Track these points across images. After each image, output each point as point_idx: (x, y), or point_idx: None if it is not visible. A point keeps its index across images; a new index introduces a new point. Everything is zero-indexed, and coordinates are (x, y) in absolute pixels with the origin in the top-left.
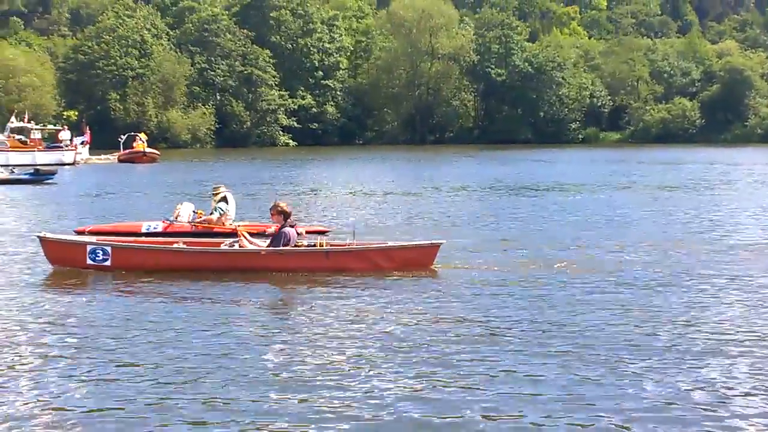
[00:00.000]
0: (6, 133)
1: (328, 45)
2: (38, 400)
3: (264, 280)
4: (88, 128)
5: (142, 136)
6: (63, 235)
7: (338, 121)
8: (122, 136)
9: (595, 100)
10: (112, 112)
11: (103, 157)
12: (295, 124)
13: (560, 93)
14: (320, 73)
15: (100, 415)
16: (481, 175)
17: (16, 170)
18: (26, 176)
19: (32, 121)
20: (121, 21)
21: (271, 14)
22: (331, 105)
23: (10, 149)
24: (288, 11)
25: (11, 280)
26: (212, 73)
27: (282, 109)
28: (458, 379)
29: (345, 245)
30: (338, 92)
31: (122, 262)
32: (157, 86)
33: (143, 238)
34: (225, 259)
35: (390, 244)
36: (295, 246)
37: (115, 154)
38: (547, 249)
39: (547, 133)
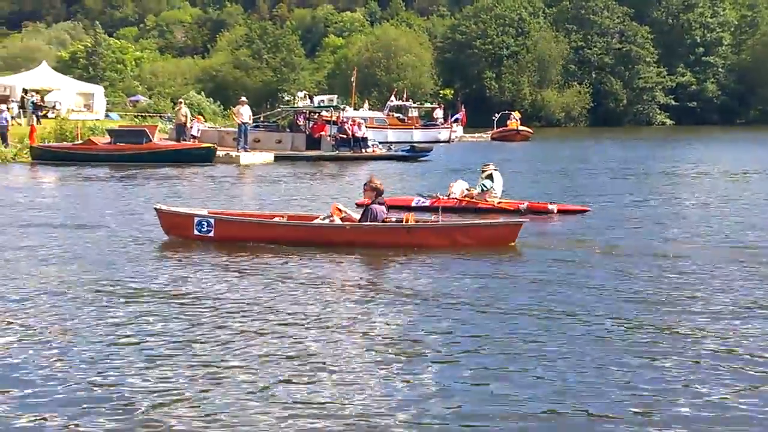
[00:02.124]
0: (386, 111)
1: (710, 20)
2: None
3: (351, 253)
4: (462, 107)
5: (516, 114)
6: (175, 207)
7: (718, 99)
8: (496, 115)
9: None
10: (487, 91)
11: (476, 135)
12: (673, 102)
13: None
14: (701, 49)
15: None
16: None
17: (393, 147)
18: (403, 153)
19: (410, 100)
20: (498, 0)
21: None
22: (712, 82)
23: (389, 127)
24: None
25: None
26: (588, 51)
27: (659, 86)
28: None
29: (427, 222)
30: (720, 69)
31: (224, 233)
32: (532, 65)
33: (244, 212)
34: (314, 233)
35: (471, 221)
36: (384, 222)
37: (488, 132)
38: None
39: None
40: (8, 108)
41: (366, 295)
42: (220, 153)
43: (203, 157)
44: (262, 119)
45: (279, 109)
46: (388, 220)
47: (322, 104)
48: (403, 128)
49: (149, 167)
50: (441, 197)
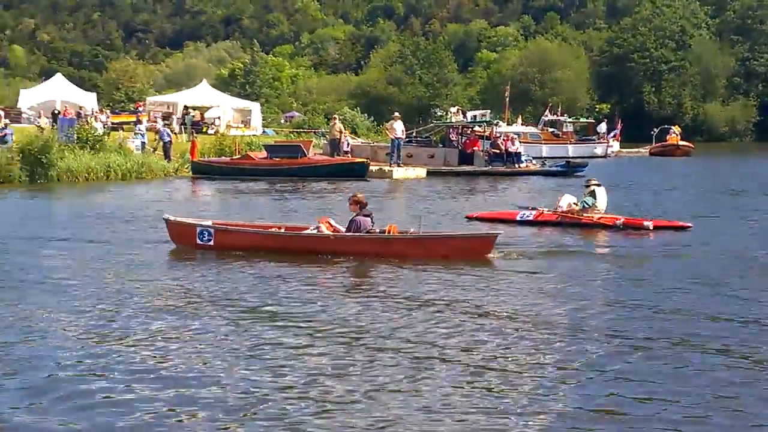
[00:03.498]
0: (540, 126)
1: None
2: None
3: (332, 262)
4: (620, 121)
5: (676, 129)
6: (180, 218)
7: None
8: (655, 129)
9: None
10: (645, 105)
11: (634, 150)
12: None
13: None
14: None
15: None
16: None
17: (547, 162)
18: (557, 168)
19: (565, 114)
20: (658, 11)
21: None
22: None
23: (543, 142)
24: None
25: None
26: (755, 62)
27: None
28: None
29: (406, 233)
30: None
31: (222, 242)
32: (695, 78)
33: (240, 222)
34: (302, 242)
35: (447, 233)
36: (368, 233)
37: (646, 147)
38: None
39: None
40: (169, 125)
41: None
42: (373, 168)
43: (357, 171)
44: (414, 134)
45: (432, 125)
46: (372, 231)
47: (474, 119)
48: (558, 143)
49: (304, 181)
50: (545, 211)
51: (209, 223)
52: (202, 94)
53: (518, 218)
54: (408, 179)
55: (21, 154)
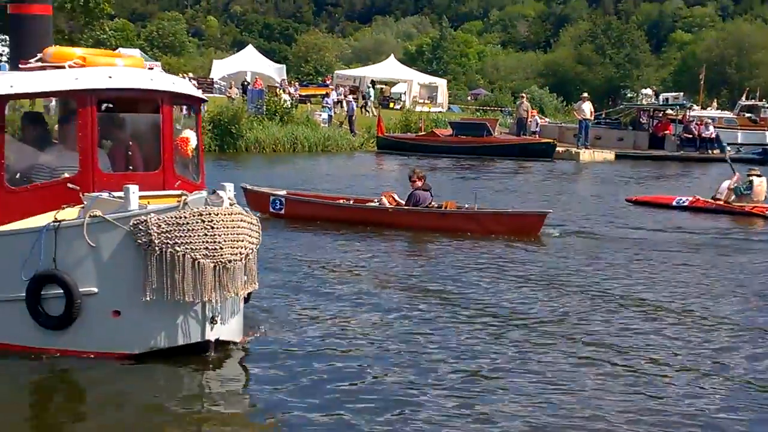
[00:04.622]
0: (736, 111)
1: None
2: None
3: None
4: None
5: None
6: (256, 187)
7: None
8: None
9: None
10: None
11: None
12: None
13: None
14: None
15: None
16: None
17: (743, 149)
18: (753, 155)
19: (763, 100)
20: None
21: None
22: None
23: (739, 127)
24: None
25: None
26: None
27: None
28: None
29: (461, 208)
30: None
31: (293, 211)
32: None
33: (317, 194)
34: (363, 214)
35: (499, 210)
36: (427, 207)
37: None
38: None
39: None
40: (356, 98)
41: None
42: (559, 149)
43: (543, 152)
44: (603, 116)
45: (621, 106)
46: (432, 205)
47: (667, 102)
48: (755, 129)
49: (488, 160)
50: (700, 198)
51: (283, 192)
52: (389, 69)
53: (674, 203)
54: (595, 162)
55: (212, 124)
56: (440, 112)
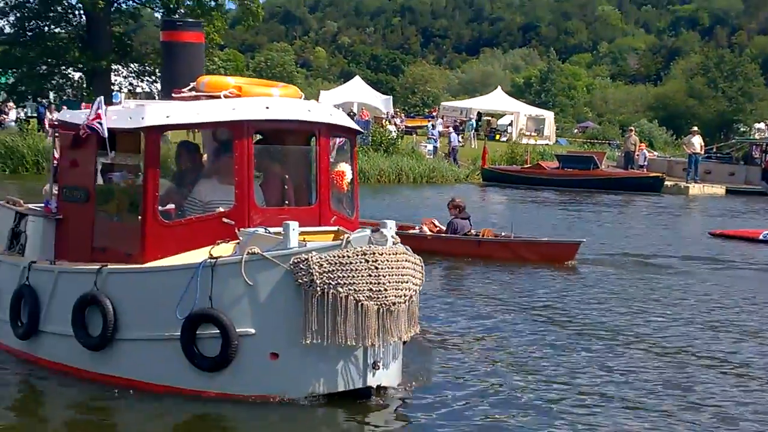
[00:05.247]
0: None
1: None
2: None
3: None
4: None
5: None
6: None
7: None
8: None
9: None
10: None
11: None
12: None
13: None
14: None
15: None
16: None
17: None
18: None
19: None
20: None
21: None
22: None
23: None
24: None
25: None
26: None
27: None
28: None
29: (497, 236)
30: None
31: None
32: None
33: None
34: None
35: (533, 238)
36: (465, 235)
37: None
38: None
39: None
40: (463, 131)
41: None
42: (668, 183)
43: (651, 186)
44: (714, 150)
45: (733, 140)
46: (469, 233)
47: None
48: None
49: (595, 193)
50: None
51: None
52: (496, 101)
53: (761, 237)
54: (704, 196)
55: None
56: (547, 144)
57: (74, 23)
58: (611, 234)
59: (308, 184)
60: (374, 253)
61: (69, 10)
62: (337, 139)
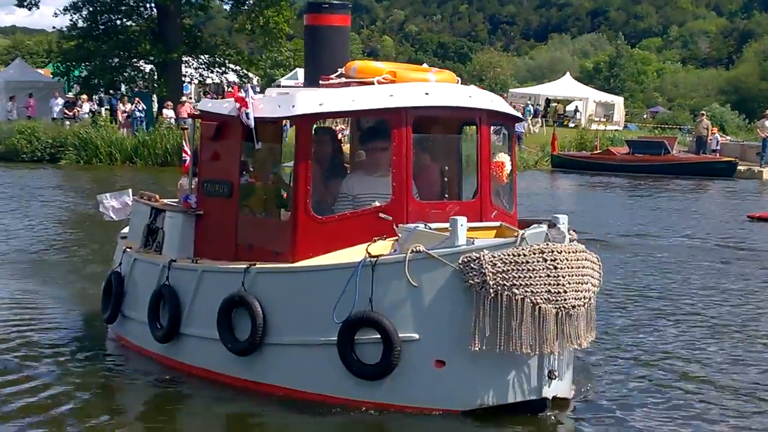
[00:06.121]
0: None
1: None
2: None
3: None
4: None
5: None
6: None
7: None
8: None
9: None
10: None
11: None
12: None
13: None
14: None
15: None
16: None
17: None
18: None
19: None
20: None
21: None
22: None
23: None
24: None
25: None
26: None
27: None
28: None
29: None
30: None
31: None
32: None
33: None
34: None
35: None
36: None
37: None
38: None
39: None
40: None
41: None
42: (741, 168)
43: (723, 171)
44: None
45: None
46: None
47: None
48: None
49: (666, 179)
50: None
51: None
52: (564, 87)
53: None
54: None
55: None
56: (616, 130)
57: (145, 16)
58: (684, 220)
59: (459, 176)
60: (552, 251)
61: (140, 4)
62: (495, 127)
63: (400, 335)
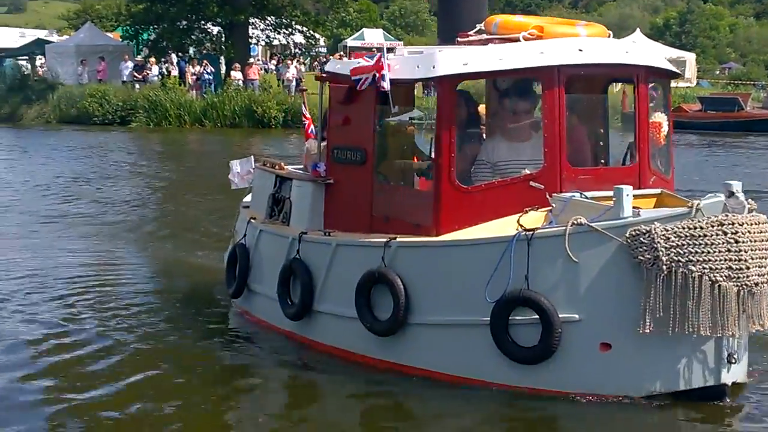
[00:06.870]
0: None
1: None
2: None
3: None
4: None
5: None
6: None
7: None
8: None
9: None
10: None
11: None
12: None
13: None
14: None
15: None
16: None
17: None
18: None
19: None
20: None
21: None
22: None
23: None
24: None
25: None
26: None
27: None
28: None
29: None
30: None
31: None
32: None
33: None
34: None
35: None
36: None
37: None
38: None
39: None
40: None
41: None
42: None
43: None
44: None
45: None
46: None
47: None
48: None
49: (740, 136)
50: None
51: None
52: (634, 44)
53: None
54: None
55: None
56: (688, 87)
57: None
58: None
59: (607, 139)
60: (733, 224)
61: None
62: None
63: (560, 316)
